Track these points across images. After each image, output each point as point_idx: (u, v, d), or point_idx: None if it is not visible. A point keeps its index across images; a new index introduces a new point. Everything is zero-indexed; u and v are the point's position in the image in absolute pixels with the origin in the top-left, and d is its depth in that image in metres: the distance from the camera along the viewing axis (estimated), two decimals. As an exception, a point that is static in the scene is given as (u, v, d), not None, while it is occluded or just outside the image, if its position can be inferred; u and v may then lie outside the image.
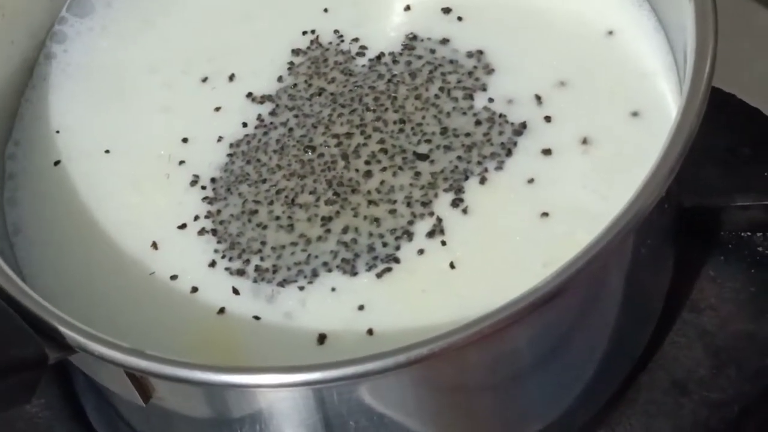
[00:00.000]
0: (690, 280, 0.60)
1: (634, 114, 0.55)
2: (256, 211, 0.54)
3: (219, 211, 0.55)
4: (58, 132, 0.58)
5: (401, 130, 0.56)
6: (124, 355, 0.46)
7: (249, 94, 0.58)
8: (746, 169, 0.61)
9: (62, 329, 0.46)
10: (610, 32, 0.57)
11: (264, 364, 0.50)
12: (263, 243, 0.54)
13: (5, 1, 0.57)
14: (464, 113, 0.56)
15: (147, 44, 0.60)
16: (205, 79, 0.59)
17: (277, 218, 0.54)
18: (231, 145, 0.57)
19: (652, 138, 0.53)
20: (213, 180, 0.56)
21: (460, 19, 0.59)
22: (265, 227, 0.54)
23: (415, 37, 0.59)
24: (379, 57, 0.58)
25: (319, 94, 0.57)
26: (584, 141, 0.54)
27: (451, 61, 0.57)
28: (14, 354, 0.44)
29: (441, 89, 0.57)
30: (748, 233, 0.60)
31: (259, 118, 0.57)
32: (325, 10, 0.60)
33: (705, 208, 0.60)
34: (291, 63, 0.59)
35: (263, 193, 0.55)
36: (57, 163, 0.57)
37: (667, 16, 0.57)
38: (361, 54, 0.59)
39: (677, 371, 0.58)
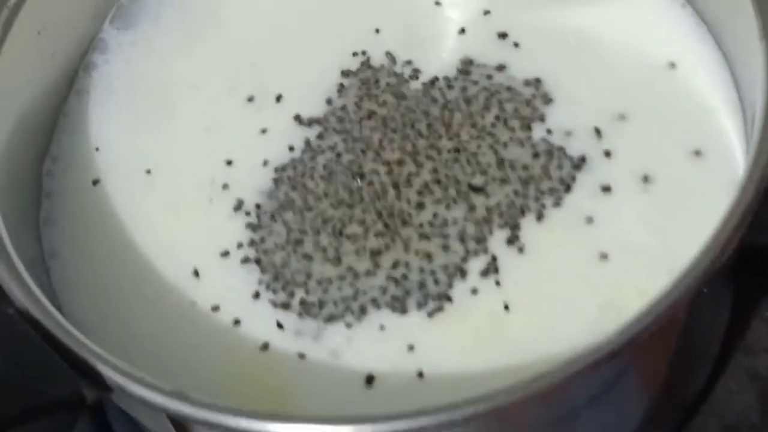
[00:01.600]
0: (744, 322, 0.58)
1: (696, 152, 0.53)
2: (301, 241, 0.52)
3: (263, 239, 0.53)
4: (97, 149, 0.56)
5: (456, 160, 0.54)
6: (165, 398, 0.43)
7: (296, 116, 0.56)
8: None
9: (102, 369, 0.44)
10: (672, 64, 0.55)
11: (310, 405, 0.48)
12: (308, 275, 0.52)
13: (47, 14, 0.55)
14: (522, 144, 0.54)
15: (192, 60, 0.58)
16: (251, 99, 0.56)
17: (324, 250, 0.52)
18: (276, 170, 0.54)
19: (714, 179, 0.52)
20: (258, 206, 0.54)
21: (516, 45, 0.57)
22: (310, 258, 0.52)
23: (470, 62, 0.56)
24: (433, 81, 0.56)
25: (369, 118, 0.55)
26: (645, 179, 0.52)
27: (509, 89, 0.55)
28: (51, 395, 0.42)
29: (497, 117, 0.54)
30: (807, 274, 0.58)
31: (306, 141, 0.55)
32: (377, 31, 0.58)
33: (762, 247, 0.58)
34: (341, 85, 0.56)
35: (309, 221, 0.53)
36: (96, 182, 0.55)
37: (732, 50, 0.54)
38: (414, 77, 0.56)
39: (729, 416, 0.56)
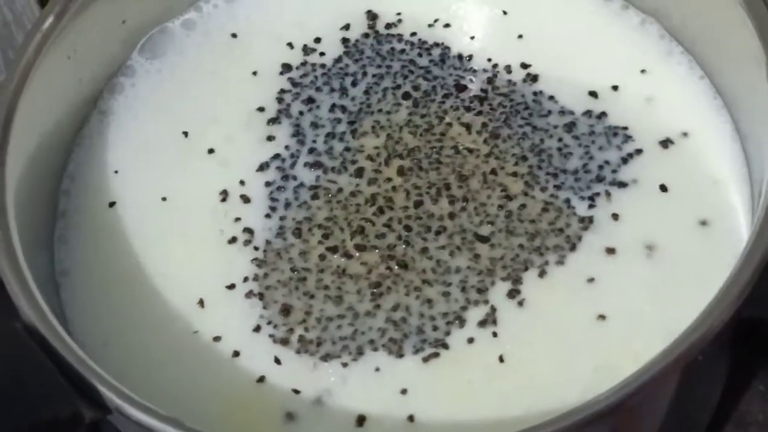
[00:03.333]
0: (738, 393, 0.58)
1: (703, 223, 0.53)
2: (304, 279, 0.53)
3: (266, 275, 0.53)
4: (116, 172, 0.57)
5: (463, 209, 0.54)
6: (162, 423, 0.44)
7: (311, 150, 0.56)
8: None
9: (102, 390, 0.45)
10: (685, 134, 0.56)
11: (300, 442, 0.49)
12: (308, 313, 0.52)
13: (79, 40, 0.56)
14: (532, 197, 0.55)
15: (214, 94, 0.59)
16: (270, 138, 0.57)
17: (326, 288, 0.53)
18: (286, 207, 0.55)
19: (718, 252, 0.53)
20: (267, 242, 0.54)
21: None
22: (312, 296, 0.53)
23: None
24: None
25: (386, 162, 0.56)
26: (650, 245, 0.53)
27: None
28: (49, 414, 0.43)
29: None
30: (807, 351, 0.59)
31: (317, 178, 0.56)
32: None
33: (761, 320, 0.58)
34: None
35: (314, 259, 0.54)
36: (112, 204, 0.56)
37: (745, 125, 0.55)
38: None
39: (717, 488, 0.56)
